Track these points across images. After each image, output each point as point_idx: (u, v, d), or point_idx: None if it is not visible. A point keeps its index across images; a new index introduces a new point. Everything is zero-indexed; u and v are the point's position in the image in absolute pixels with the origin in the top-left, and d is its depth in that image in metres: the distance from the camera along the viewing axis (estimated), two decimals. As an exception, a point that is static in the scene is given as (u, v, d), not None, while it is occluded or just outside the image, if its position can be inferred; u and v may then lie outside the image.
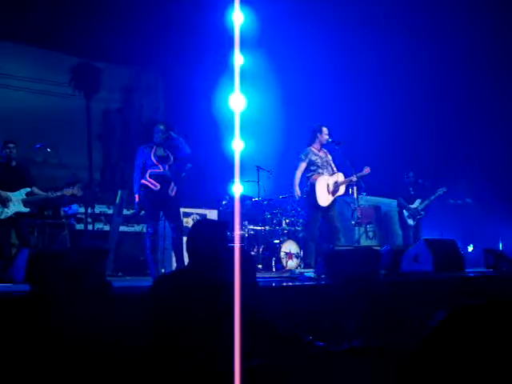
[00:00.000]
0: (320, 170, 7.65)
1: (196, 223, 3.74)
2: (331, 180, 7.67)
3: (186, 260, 5.09)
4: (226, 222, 3.81)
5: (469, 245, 10.34)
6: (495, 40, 10.49)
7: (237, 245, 6.09)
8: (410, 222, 9.94)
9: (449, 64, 10.95)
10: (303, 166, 7.65)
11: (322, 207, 7.54)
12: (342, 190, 7.75)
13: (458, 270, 6.51)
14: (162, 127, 6.56)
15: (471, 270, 7.54)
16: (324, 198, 7.58)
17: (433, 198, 10.01)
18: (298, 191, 7.67)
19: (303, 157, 7.66)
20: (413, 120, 11.19)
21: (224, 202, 8.95)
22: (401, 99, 11.10)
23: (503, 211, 10.23)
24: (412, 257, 6.35)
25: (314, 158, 7.67)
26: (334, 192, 7.64)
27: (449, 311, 1.10)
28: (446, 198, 10.60)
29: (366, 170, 7.83)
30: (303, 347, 3.59)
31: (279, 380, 3.81)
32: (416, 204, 9.99)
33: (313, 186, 7.57)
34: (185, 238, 4.99)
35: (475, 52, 10.75)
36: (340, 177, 7.74)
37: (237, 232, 7.86)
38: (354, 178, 7.76)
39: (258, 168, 9.13)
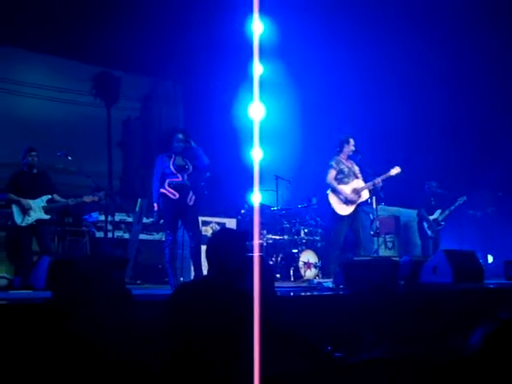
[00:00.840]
0: (346, 179, 7.70)
1: (216, 232, 3.76)
2: (348, 188, 7.66)
3: (205, 269, 5.11)
4: (246, 232, 3.80)
5: (489, 256, 10.26)
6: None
7: (256, 254, 6.10)
8: (430, 232, 9.87)
9: (474, 71, 10.90)
10: (333, 172, 7.70)
11: (344, 216, 7.56)
12: (364, 195, 7.72)
13: (478, 282, 6.45)
14: (181, 136, 6.58)
15: (491, 281, 7.47)
16: (343, 208, 7.58)
17: (453, 208, 9.93)
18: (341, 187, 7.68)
19: (334, 164, 7.72)
20: (434, 129, 11.14)
21: (243, 211, 8.96)
22: (422, 108, 11.06)
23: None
24: (431, 268, 6.30)
25: (342, 166, 7.74)
26: (353, 200, 7.62)
27: (492, 326, 1.10)
28: (465, 209, 10.52)
29: (395, 170, 7.79)
30: (321, 358, 3.59)
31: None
32: (436, 215, 9.92)
33: (327, 197, 7.64)
34: (203, 247, 5.02)
35: (498, 54, 10.69)
36: (358, 183, 7.74)
37: (256, 241, 7.86)
38: (377, 181, 7.73)
39: (277, 177, 9.15)
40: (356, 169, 7.85)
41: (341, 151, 7.83)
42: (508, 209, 10.32)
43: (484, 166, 10.90)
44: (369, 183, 7.74)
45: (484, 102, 10.95)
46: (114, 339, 3.69)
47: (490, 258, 10.30)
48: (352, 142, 7.82)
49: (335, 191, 7.64)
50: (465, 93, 10.98)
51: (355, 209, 7.62)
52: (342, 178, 7.70)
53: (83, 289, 3.58)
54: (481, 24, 10.13)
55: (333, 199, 7.63)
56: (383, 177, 7.77)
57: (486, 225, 10.68)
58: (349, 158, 7.86)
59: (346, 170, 7.73)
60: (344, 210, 7.57)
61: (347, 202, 7.60)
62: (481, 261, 8.17)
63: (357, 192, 7.66)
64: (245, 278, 3.24)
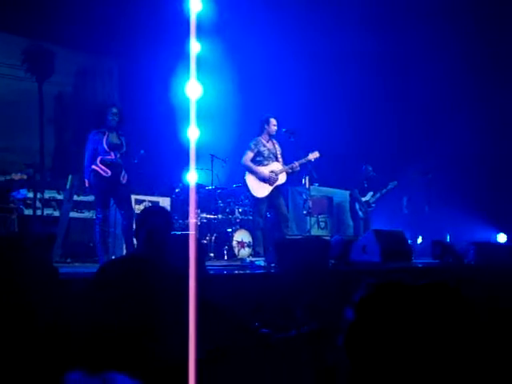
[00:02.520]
0: (266, 162, 7.73)
1: (142, 211, 3.74)
2: (265, 171, 7.69)
3: (136, 247, 5.06)
4: (167, 210, 3.83)
5: (418, 237, 10.57)
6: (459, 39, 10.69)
7: (191, 232, 6.08)
8: (361, 213, 10.10)
9: (407, 57, 11.12)
10: (250, 154, 7.71)
11: (262, 198, 7.62)
12: (282, 178, 7.75)
13: (405, 261, 6.64)
14: (114, 110, 6.46)
15: (419, 260, 7.71)
16: (260, 190, 7.63)
17: (384, 191, 10.18)
18: (258, 169, 7.69)
19: (252, 146, 7.73)
20: (370, 113, 11.33)
21: (177, 190, 8.90)
22: (358, 91, 11.21)
23: (452, 205, 10.47)
24: (361, 247, 6.45)
25: (262, 148, 7.74)
26: (271, 182, 7.66)
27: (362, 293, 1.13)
28: (397, 192, 10.78)
29: (313, 155, 7.86)
30: (248, 333, 3.63)
31: (226, 364, 3.83)
32: (368, 197, 10.15)
33: (244, 179, 7.69)
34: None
35: (434, 46, 10.94)
36: (276, 166, 7.77)
37: (191, 220, 7.83)
38: (295, 165, 7.81)
39: (213, 156, 9.11)
40: (278, 150, 7.87)
41: (262, 132, 7.84)
42: (437, 190, 10.64)
43: (416, 149, 11.18)
44: (287, 166, 7.79)
45: (421, 90, 11.20)
46: (38, 316, 3.61)
47: (420, 239, 10.61)
48: (273, 121, 7.82)
49: (252, 172, 7.67)
50: (402, 79, 11.21)
51: (272, 191, 7.67)
52: (261, 160, 7.72)
53: (4, 266, 3.49)
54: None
55: (250, 181, 7.68)
56: (301, 161, 7.86)
57: (417, 206, 10.97)
58: (272, 138, 7.87)
59: (265, 151, 7.74)
60: (261, 192, 7.63)
61: (264, 183, 7.64)
62: (410, 241, 8.43)
63: (275, 174, 7.69)
64: (172, 254, 3.23)
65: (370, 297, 1.11)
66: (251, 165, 7.67)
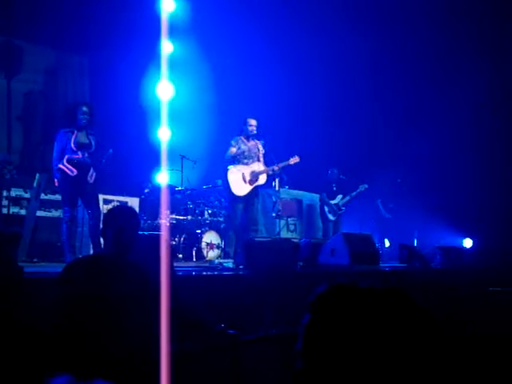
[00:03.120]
0: (245, 160, 7.74)
1: (110, 210, 3.70)
2: (248, 169, 7.71)
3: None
4: (133, 209, 3.80)
5: (386, 240, 10.68)
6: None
7: (162, 233, 6.05)
8: (331, 216, 10.14)
9: (378, 59, 11.23)
10: (233, 150, 7.72)
11: (240, 197, 7.61)
12: (262, 179, 7.79)
13: (373, 264, 6.70)
14: (85, 108, 6.40)
15: (386, 264, 7.79)
16: (239, 188, 7.63)
17: (354, 194, 10.24)
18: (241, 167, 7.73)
19: (233, 143, 7.75)
20: (342, 116, 11.42)
21: (146, 190, 8.85)
22: (330, 95, 11.29)
23: (419, 210, 10.60)
24: (329, 250, 6.49)
25: (243, 147, 7.76)
26: (251, 181, 7.69)
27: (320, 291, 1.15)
28: (374, 199, 10.88)
29: (294, 160, 7.93)
30: (214, 334, 3.62)
31: (192, 365, 3.82)
32: (337, 200, 10.20)
33: (225, 177, 7.67)
34: (102, 225, 4.93)
35: (404, 48, 11.08)
36: (258, 166, 7.79)
37: (163, 221, 7.79)
38: (276, 168, 7.85)
39: (182, 157, 9.07)
40: (261, 151, 7.89)
41: (241, 132, 7.88)
42: (405, 195, 10.75)
43: (386, 153, 11.30)
44: (268, 168, 7.83)
45: (391, 94, 11.32)
46: (3, 316, 3.56)
47: (387, 243, 10.72)
48: (250, 121, 7.84)
49: (234, 169, 7.68)
50: (372, 83, 11.31)
51: (251, 191, 7.68)
52: (241, 158, 7.74)
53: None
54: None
55: (232, 178, 7.66)
56: (282, 164, 7.90)
57: (385, 212, 11.07)
58: (253, 138, 7.88)
59: (245, 150, 7.76)
60: (240, 190, 7.62)
61: (244, 182, 7.66)
62: (378, 245, 8.51)
63: (255, 174, 7.71)
64: (139, 254, 3.21)
65: (323, 298, 1.12)
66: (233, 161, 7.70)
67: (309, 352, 1.10)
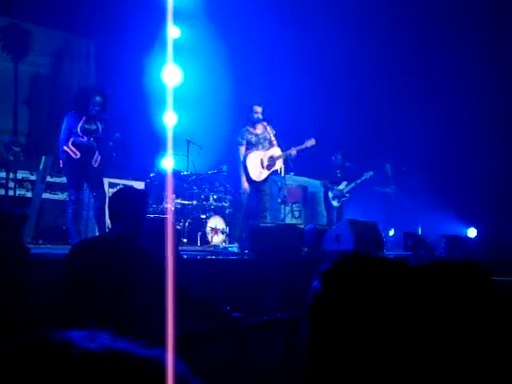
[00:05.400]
0: (254, 148, 7.78)
1: (118, 191, 3.70)
2: (266, 155, 7.77)
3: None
4: (145, 192, 3.80)
5: (390, 229, 10.67)
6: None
7: (168, 216, 6.06)
8: (335, 203, 10.13)
9: (386, 47, 11.17)
10: (242, 149, 7.77)
11: (255, 182, 7.67)
12: (278, 164, 7.83)
13: (378, 251, 6.69)
14: (98, 99, 6.34)
15: (391, 252, 7.79)
16: (257, 173, 7.69)
17: (359, 181, 10.23)
18: (244, 183, 7.73)
19: (240, 139, 7.78)
20: (346, 103, 11.37)
21: (152, 175, 8.84)
22: (336, 82, 11.24)
23: (424, 199, 10.58)
24: (334, 236, 6.49)
25: (249, 137, 7.78)
26: (269, 166, 7.75)
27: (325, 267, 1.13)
28: (372, 185, 10.86)
29: (310, 142, 7.93)
30: (220, 316, 3.64)
31: (198, 347, 3.84)
32: (342, 186, 10.19)
33: (244, 162, 7.69)
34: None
35: (414, 34, 11.03)
36: (276, 151, 7.84)
37: (168, 205, 7.82)
38: (294, 152, 7.87)
39: (189, 142, 9.07)
40: (271, 133, 7.90)
41: (247, 121, 7.90)
42: (410, 183, 10.74)
43: (391, 141, 11.26)
44: (284, 153, 7.86)
45: (397, 80, 11.27)
46: (8, 294, 3.59)
47: (392, 231, 10.72)
48: (256, 109, 7.85)
49: (252, 155, 7.71)
50: (377, 70, 11.26)
51: (267, 176, 7.75)
52: (250, 148, 7.78)
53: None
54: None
55: (250, 163, 7.70)
56: (298, 148, 7.91)
57: (390, 200, 11.06)
58: (263, 121, 7.88)
59: (253, 139, 7.79)
60: (258, 175, 7.69)
61: (262, 167, 7.72)
62: (382, 233, 8.50)
63: (273, 160, 7.77)
64: (144, 236, 3.22)
65: (338, 267, 1.10)
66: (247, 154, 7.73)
67: (321, 320, 1.07)
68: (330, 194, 10.14)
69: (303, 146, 7.91)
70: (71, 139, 6.22)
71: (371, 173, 10.32)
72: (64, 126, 6.33)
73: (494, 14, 10.60)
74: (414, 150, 10.92)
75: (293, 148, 7.87)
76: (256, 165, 7.71)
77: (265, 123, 7.89)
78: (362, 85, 11.28)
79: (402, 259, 1.11)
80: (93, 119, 6.35)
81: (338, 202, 10.14)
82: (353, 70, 11.21)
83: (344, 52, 11.12)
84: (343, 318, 1.04)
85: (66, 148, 6.22)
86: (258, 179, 7.71)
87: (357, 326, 1.02)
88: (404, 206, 10.79)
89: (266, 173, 7.75)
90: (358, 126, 11.24)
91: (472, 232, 11.10)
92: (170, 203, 7.87)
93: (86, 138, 6.27)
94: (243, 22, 10.57)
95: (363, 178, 10.24)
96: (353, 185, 10.20)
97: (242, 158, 7.76)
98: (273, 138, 7.89)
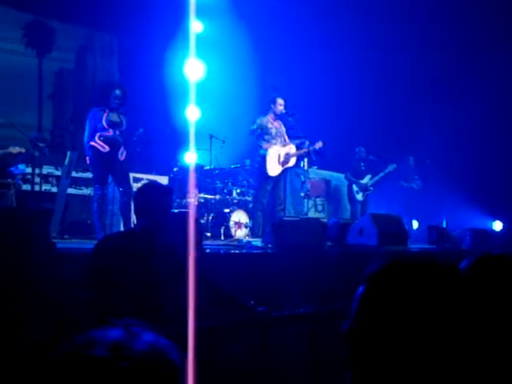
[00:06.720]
0: (273, 141, 7.82)
1: (143, 186, 3.71)
2: (283, 151, 7.84)
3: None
4: (171, 187, 3.81)
5: (414, 222, 10.59)
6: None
7: (190, 211, 6.07)
8: (359, 197, 10.09)
9: (406, 43, 11.08)
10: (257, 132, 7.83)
11: (272, 177, 7.73)
12: (292, 161, 7.92)
13: (402, 245, 6.65)
14: (118, 92, 6.46)
15: (415, 245, 7.73)
16: (274, 168, 7.77)
17: (383, 174, 10.17)
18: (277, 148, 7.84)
19: (258, 121, 7.85)
20: (369, 97, 11.30)
21: (175, 169, 8.88)
22: (358, 76, 11.18)
23: (449, 192, 10.49)
24: (358, 230, 6.46)
25: (269, 126, 7.81)
26: (284, 163, 7.83)
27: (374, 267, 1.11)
28: (397, 179, 10.79)
29: (318, 145, 8.02)
30: (245, 311, 3.65)
31: (222, 340, 3.86)
32: (366, 180, 10.14)
33: (264, 157, 7.73)
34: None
35: (433, 36, 10.91)
36: (292, 149, 7.91)
37: (191, 200, 7.86)
38: (302, 151, 7.96)
39: (211, 136, 9.08)
40: (284, 131, 8.01)
41: (267, 111, 7.94)
42: (435, 176, 10.64)
43: (415, 134, 11.17)
44: (298, 151, 7.95)
45: (418, 73, 11.18)
46: (39, 288, 3.63)
47: (416, 224, 10.64)
48: (280, 101, 7.89)
49: (271, 150, 7.77)
50: (399, 62, 11.16)
51: (281, 172, 7.81)
52: (268, 138, 7.82)
53: (1, 238, 3.50)
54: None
55: (269, 157, 7.76)
56: (311, 148, 8.00)
57: (414, 193, 10.97)
58: (278, 118, 7.96)
59: (273, 130, 7.86)
60: (273, 170, 7.77)
61: (278, 163, 7.78)
62: (406, 226, 8.44)
63: (288, 157, 7.85)
64: (169, 231, 3.24)
65: (384, 271, 1.08)
66: (263, 142, 7.76)
67: (367, 324, 1.06)
68: (355, 188, 10.11)
69: (312, 148, 8.01)
70: (98, 134, 6.29)
71: (395, 165, 10.27)
72: (88, 122, 6.39)
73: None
74: (438, 144, 10.81)
75: (303, 149, 8.04)
76: (274, 160, 7.79)
77: (280, 122, 7.98)
78: (385, 78, 11.20)
79: (451, 263, 1.10)
80: (115, 112, 6.42)
81: (362, 196, 10.10)
82: (378, 64, 11.13)
83: (370, 46, 11.06)
84: (393, 326, 1.03)
85: (92, 143, 6.27)
86: (273, 174, 7.79)
87: (408, 334, 1.02)
88: (428, 200, 10.70)
89: (280, 169, 7.83)
90: (381, 120, 11.16)
91: (498, 225, 10.98)
92: (194, 198, 7.90)
93: (111, 132, 6.33)
94: (266, 15, 10.56)
95: (387, 171, 10.18)
96: (376, 178, 10.15)
97: (262, 146, 7.79)
98: (285, 135, 7.98)
